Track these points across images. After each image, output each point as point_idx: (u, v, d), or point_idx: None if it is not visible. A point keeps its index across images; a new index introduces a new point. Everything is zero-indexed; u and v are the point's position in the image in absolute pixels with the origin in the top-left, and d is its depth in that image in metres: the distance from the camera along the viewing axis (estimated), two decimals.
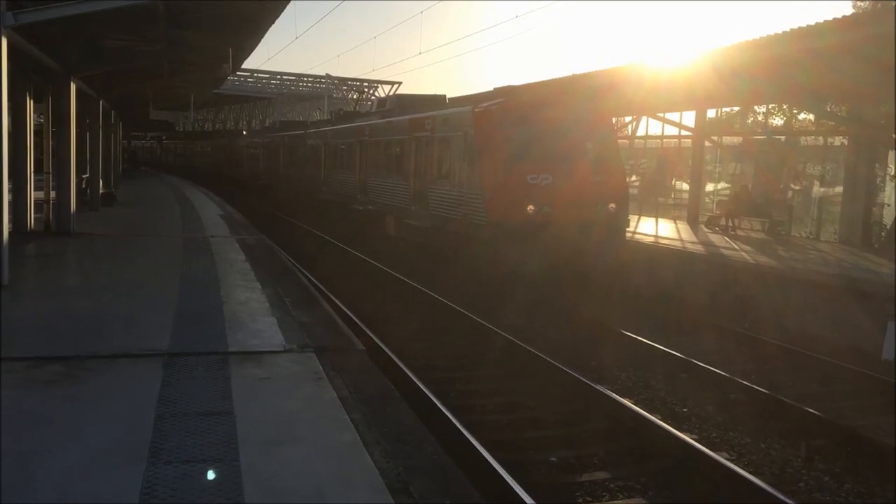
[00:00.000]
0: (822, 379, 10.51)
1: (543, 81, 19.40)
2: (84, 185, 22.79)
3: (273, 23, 15.08)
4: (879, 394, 9.74)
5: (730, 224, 21.02)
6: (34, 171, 17.15)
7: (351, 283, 15.90)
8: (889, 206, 19.21)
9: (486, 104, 15.81)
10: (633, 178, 27.94)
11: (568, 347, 11.36)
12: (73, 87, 16.73)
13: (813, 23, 12.23)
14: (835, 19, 11.88)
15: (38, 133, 18.73)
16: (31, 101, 16.98)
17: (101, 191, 24.43)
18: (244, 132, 54.61)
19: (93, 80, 19.81)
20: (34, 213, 17.23)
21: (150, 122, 48.56)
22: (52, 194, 17.52)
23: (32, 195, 17.08)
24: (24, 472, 4.59)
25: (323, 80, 58.36)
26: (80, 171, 20.88)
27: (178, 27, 14.75)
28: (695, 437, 7.97)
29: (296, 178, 31.49)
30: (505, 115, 15.27)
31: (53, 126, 17.49)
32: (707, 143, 24.01)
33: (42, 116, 19.53)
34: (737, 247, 17.48)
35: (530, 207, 14.33)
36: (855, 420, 8.75)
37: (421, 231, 17.55)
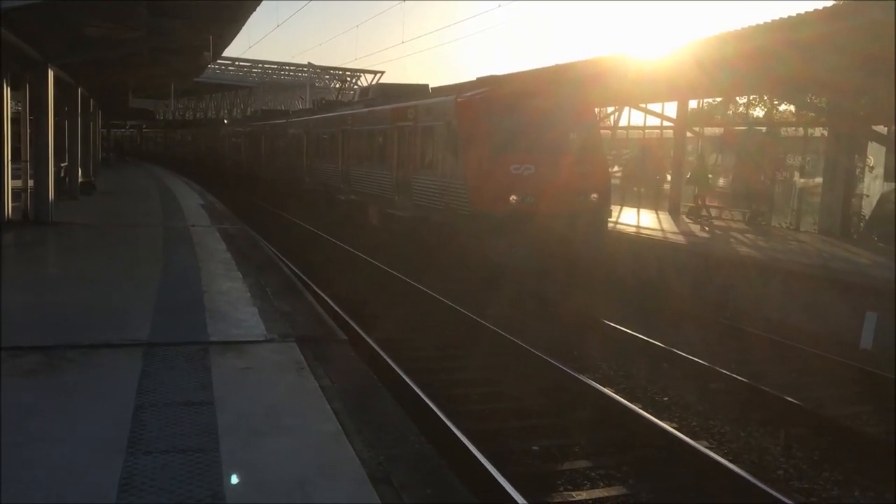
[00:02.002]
0: (802, 368, 10.62)
1: (527, 72, 19.34)
2: (63, 174, 22.52)
3: (254, 10, 14.95)
4: (858, 383, 9.86)
5: (708, 214, 21.14)
6: (11, 160, 16.93)
7: (333, 274, 15.84)
8: (868, 196, 19.40)
9: (469, 94, 15.79)
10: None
11: (550, 337, 11.39)
12: (51, 74, 16.50)
13: (794, 14, 12.30)
14: (815, 10, 11.92)
15: (16, 121, 18.48)
16: (8, 89, 16.73)
17: (80, 180, 24.17)
18: (225, 121, 54.21)
19: (71, 67, 19.55)
20: (12, 202, 17.00)
21: (130, 111, 48.06)
22: (30, 183, 17.28)
23: (10, 184, 16.86)
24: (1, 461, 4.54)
25: (305, 69, 57.99)
26: (58, 160, 20.62)
27: (159, 15, 14.56)
28: (675, 425, 8.03)
29: (278, 167, 31.30)
30: (488, 105, 15.26)
31: (31, 114, 17.24)
32: (689, 134, 24.12)
33: (19, 104, 19.26)
34: (717, 237, 17.57)
35: (513, 197, 14.36)
36: (834, 409, 8.86)
37: (404, 221, 17.51)
